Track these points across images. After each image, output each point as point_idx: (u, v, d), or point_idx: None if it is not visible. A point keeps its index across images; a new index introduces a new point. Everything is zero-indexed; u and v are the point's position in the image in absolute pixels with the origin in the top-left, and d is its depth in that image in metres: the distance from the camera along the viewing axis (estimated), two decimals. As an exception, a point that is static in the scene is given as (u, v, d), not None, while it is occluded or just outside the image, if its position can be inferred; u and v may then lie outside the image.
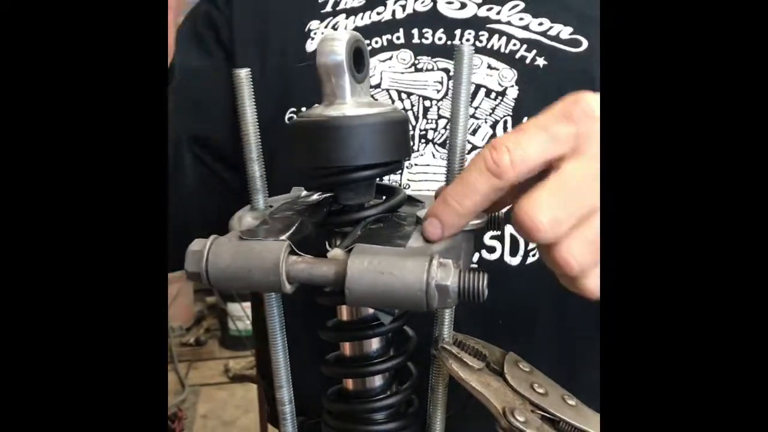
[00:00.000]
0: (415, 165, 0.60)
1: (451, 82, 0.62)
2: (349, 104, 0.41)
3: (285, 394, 0.43)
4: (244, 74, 0.41)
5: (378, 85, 0.64)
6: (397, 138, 0.42)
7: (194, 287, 3.50)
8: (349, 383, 0.45)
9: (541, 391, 0.41)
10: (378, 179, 0.44)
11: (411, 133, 0.62)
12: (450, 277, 0.34)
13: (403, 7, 0.66)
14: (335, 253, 0.37)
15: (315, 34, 0.67)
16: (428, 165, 0.61)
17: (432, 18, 0.64)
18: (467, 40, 0.63)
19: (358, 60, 0.41)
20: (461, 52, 0.38)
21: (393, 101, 0.63)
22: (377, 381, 0.44)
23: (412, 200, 0.47)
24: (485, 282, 0.35)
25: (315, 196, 0.45)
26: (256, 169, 0.42)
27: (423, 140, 0.62)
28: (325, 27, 0.66)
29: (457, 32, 0.64)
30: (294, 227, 0.38)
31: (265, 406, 2.30)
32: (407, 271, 0.34)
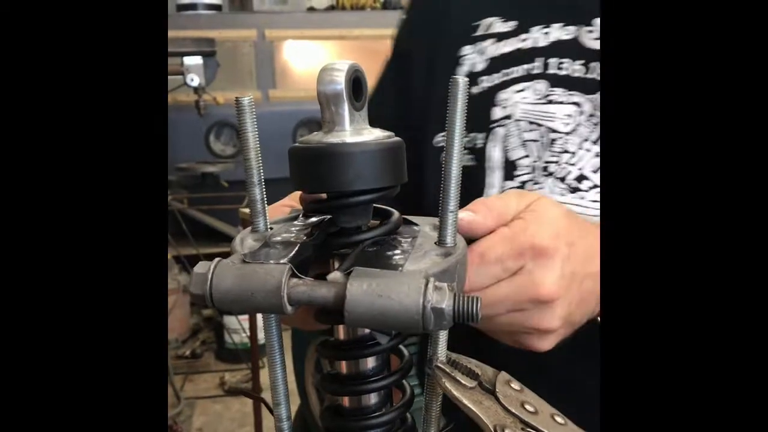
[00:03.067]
0: None
1: (581, 117, 0.63)
2: (348, 131, 0.42)
3: (283, 411, 0.44)
4: (246, 102, 0.43)
5: (509, 116, 0.65)
6: (393, 164, 0.43)
7: (190, 299, 3.50)
8: (346, 400, 0.46)
9: (531, 409, 0.42)
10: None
11: (535, 163, 0.63)
12: (445, 300, 0.35)
13: (547, 34, 0.66)
14: (335, 276, 0.38)
15: (465, 60, 0.69)
16: None
17: (572, 48, 0.65)
18: None
19: (357, 89, 0.43)
20: (456, 83, 0.40)
21: (522, 132, 0.64)
22: (372, 399, 0.45)
23: (408, 222, 0.48)
24: (479, 305, 0.36)
25: (314, 219, 0.46)
26: (257, 193, 0.44)
27: (544, 172, 0.63)
28: (473, 53, 0.68)
29: (594, 65, 0.63)
30: (295, 250, 0.40)
31: (261, 420, 2.31)
32: (404, 294, 0.35)
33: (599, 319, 0.54)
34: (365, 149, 0.42)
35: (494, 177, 0.65)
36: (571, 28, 0.65)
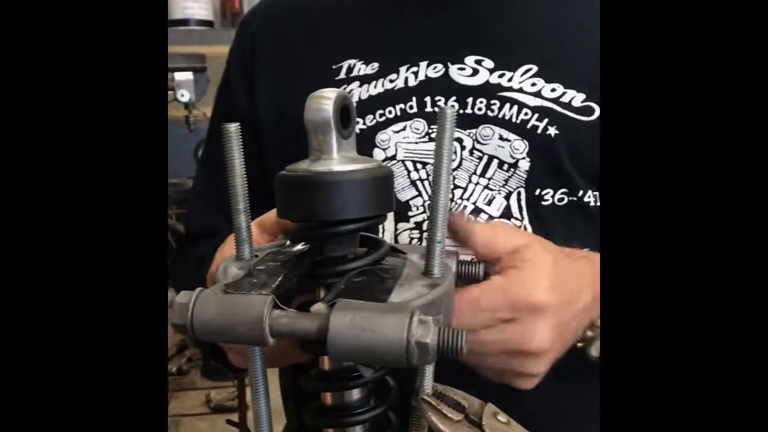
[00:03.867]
0: None
1: (464, 152, 0.63)
2: (335, 160, 0.42)
3: (266, 441, 0.43)
4: (233, 129, 0.42)
5: (393, 157, 0.64)
6: (380, 193, 0.43)
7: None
8: (330, 433, 0.45)
9: (518, 443, 0.42)
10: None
11: (428, 202, 0.63)
12: (429, 335, 0.35)
13: (416, 74, 0.65)
14: (318, 307, 0.37)
15: None
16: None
17: (444, 85, 0.64)
18: (479, 109, 0.63)
19: (345, 117, 0.43)
20: (444, 114, 0.40)
21: (409, 172, 0.64)
22: (357, 431, 0.45)
23: (395, 251, 0.48)
24: (464, 339, 0.35)
25: (300, 246, 0.46)
26: (242, 221, 0.43)
27: None
28: None
29: (469, 100, 0.63)
30: (278, 281, 0.39)
31: (246, 439, 2.28)
32: (388, 328, 0.35)
33: (580, 345, 0.54)
34: (353, 178, 0.41)
35: (387, 220, 0.65)
36: (439, 66, 0.65)
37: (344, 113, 0.42)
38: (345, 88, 0.67)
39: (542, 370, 0.49)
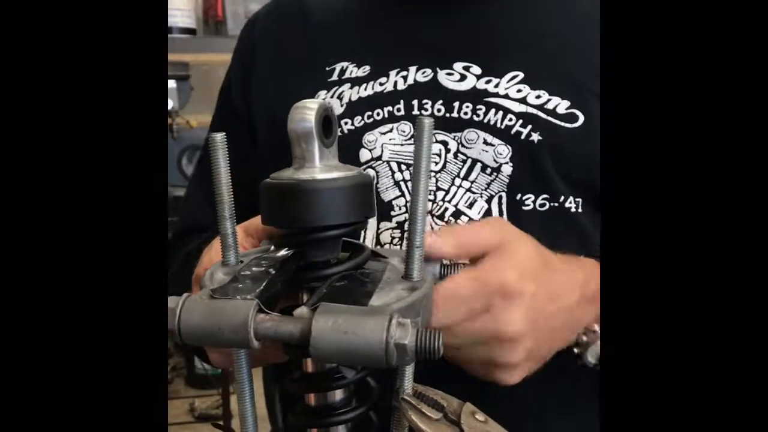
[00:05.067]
0: None
1: (449, 155, 0.65)
2: (318, 168, 0.43)
3: (251, 443, 0.45)
4: (219, 138, 0.44)
5: (379, 158, 0.66)
6: (361, 199, 0.44)
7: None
8: (314, 433, 0.46)
9: (495, 441, 0.43)
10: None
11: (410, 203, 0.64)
12: (408, 336, 0.36)
13: (405, 78, 0.67)
14: (301, 311, 0.39)
15: None
16: None
17: (432, 89, 0.66)
18: (465, 113, 0.65)
19: (327, 127, 0.44)
20: (422, 124, 0.41)
21: (393, 173, 0.65)
22: (340, 431, 0.46)
23: (376, 255, 0.49)
24: (441, 340, 0.37)
25: (283, 252, 0.47)
26: (228, 227, 0.45)
27: None
28: (332, 96, 0.69)
29: (456, 104, 0.65)
30: (263, 285, 0.41)
31: (230, 447, 2.28)
32: (368, 331, 0.36)
33: (576, 351, 0.55)
34: (334, 186, 0.43)
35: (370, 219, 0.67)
36: (428, 71, 0.67)
37: (326, 123, 0.44)
38: (337, 90, 0.69)
39: (520, 358, 0.49)
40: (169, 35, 3.56)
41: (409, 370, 0.44)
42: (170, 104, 2.94)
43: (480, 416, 0.45)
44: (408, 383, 0.44)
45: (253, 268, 0.44)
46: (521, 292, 0.48)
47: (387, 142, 0.66)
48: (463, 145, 0.65)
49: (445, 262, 0.50)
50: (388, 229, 0.65)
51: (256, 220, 0.50)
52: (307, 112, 0.43)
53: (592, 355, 0.55)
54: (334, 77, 0.70)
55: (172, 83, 2.90)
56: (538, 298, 0.49)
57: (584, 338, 0.55)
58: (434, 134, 0.65)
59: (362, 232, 0.65)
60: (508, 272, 0.48)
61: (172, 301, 0.39)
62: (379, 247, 0.65)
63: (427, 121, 0.41)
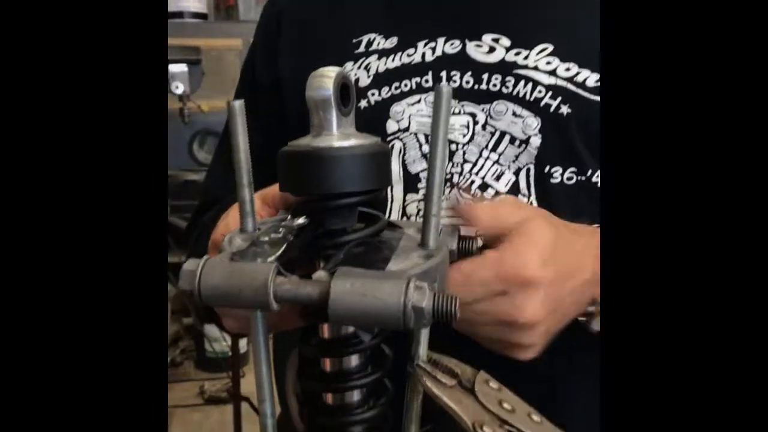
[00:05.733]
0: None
1: (477, 127, 0.65)
2: (335, 136, 0.44)
3: (267, 407, 0.45)
4: (238, 105, 0.44)
5: (406, 129, 0.66)
6: (378, 168, 0.45)
7: (171, 308, 3.48)
8: (329, 398, 0.47)
9: (508, 407, 0.44)
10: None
11: None
12: (425, 300, 0.37)
13: (433, 49, 0.67)
14: (319, 275, 0.39)
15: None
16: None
17: (460, 61, 0.66)
18: (494, 85, 0.64)
19: (345, 95, 0.45)
20: (440, 91, 0.41)
21: (420, 145, 0.65)
22: (355, 396, 0.46)
23: (392, 226, 0.50)
24: (457, 305, 0.37)
25: (301, 220, 0.47)
26: (246, 194, 0.45)
27: (448, 184, 0.64)
28: (358, 68, 0.69)
29: (485, 76, 0.65)
30: (281, 249, 0.41)
31: (240, 429, 2.30)
32: (386, 293, 0.37)
33: (582, 319, 0.55)
34: (352, 153, 0.43)
35: (396, 190, 0.67)
36: (456, 42, 0.67)
37: (344, 91, 0.44)
38: (363, 61, 0.69)
39: (536, 341, 0.50)
40: (180, 20, 3.57)
41: (424, 338, 0.45)
42: (181, 88, 2.94)
43: (494, 384, 0.46)
44: (423, 350, 0.45)
45: (271, 235, 0.44)
46: (540, 280, 0.48)
47: (414, 114, 0.66)
48: (491, 117, 0.65)
49: (462, 232, 0.50)
50: (414, 201, 0.66)
51: (274, 189, 0.50)
52: (325, 80, 0.43)
53: (597, 324, 0.56)
54: (361, 49, 0.70)
55: (183, 67, 2.90)
56: (555, 283, 0.49)
57: (590, 308, 0.55)
58: (462, 106, 0.65)
59: (388, 204, 0.66)
60: (528, 260, 0.48)
61: (192, 264, 0.40)
62: (405, 219, 0.66)
63: (446, 89, 0.41)
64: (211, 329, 3.14)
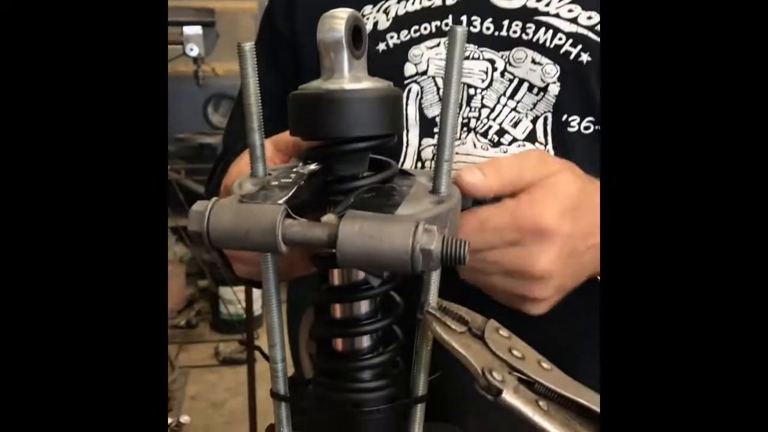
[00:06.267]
0: (457, 153, 0.60)
1: (495, 73, 0.64)
2: (347, 79, 0.43)
3: (278, 352, 0.45)
4: (248, 48, 0.43)
5: (424, 72, 0.65)
6: (390, 112, 0.44)
7: (186, 270, 3.52)
8: (339, 343, 0.47)
9: (518, 355, 0.43)
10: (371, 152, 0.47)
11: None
12: (434, 242, 0.36)
13: None
14: (328, 218, 0.39)
15: (368, 19, 0.68)
16: (468, 154, 0.63)
17: (481, 6, 0.65)
18: (514, 32, 0.64)
19: (357, 37, 0.44)
20: (455, 33, 0.40)
21: (438, 88, 0.64)
22: (365, 342, 0.47)
23: (405, 174, 0.49)
24: (466, 248, 0.37)
25: (312, 166, 0.47)
26: (256, 138, 0.45)
27: (465, 128, 0.64)
28: (377, 11, 0.68)
29: (505, 23, 0.64)
30: (291, 193, 0.41)
31: (254, 389, 2.33)
32: (394, 236, 0.36)
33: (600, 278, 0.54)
34: (363, 96, 0.42)
35: (411, 134, 0.66)
36: None
37: (356, 34, 0.43)
38: (383, 5, 0.68)
39: (547, 294, 0.50)
40: (195, -18, 3.53)
41: (434, 285, 0.45)
42: (196, 51, 2.92)
43: (504, 332, 0.46)
44: (433, 297, 0.45)
45: (282, 179, 0.44)
46: (556, 232, 0.47)
47: (433, 57, 0.65)
48: (510, 64, 0.64)
49: None
50: (429, 146, 0.65)
51: (286, 135, 0.50)
52: (336, 21, 0.42)
53: None
54: None
55: (198, 29, 2.88)
56: (572, 237, 0.48)
57: None
58: (482, 52, 0.64)
59: (403, 149, 0.65)
60: (546, 210, 0.47)
61: (201, 205, 0.40)
62: (419, 164, 0.65)
63: (460, 30, 0.40)
64: (225, 292, 3.17)
